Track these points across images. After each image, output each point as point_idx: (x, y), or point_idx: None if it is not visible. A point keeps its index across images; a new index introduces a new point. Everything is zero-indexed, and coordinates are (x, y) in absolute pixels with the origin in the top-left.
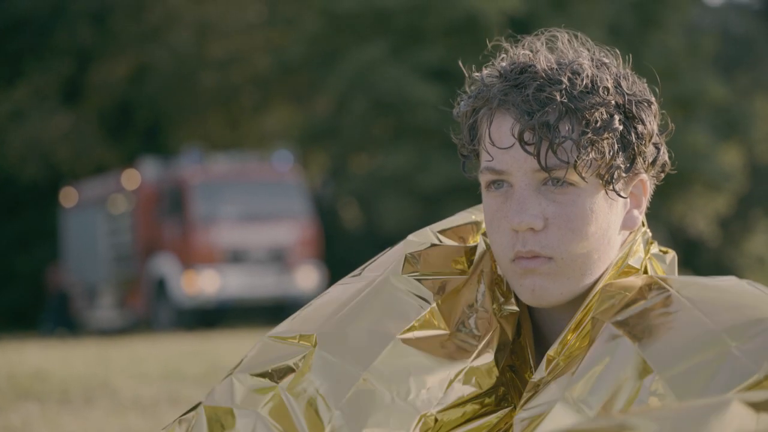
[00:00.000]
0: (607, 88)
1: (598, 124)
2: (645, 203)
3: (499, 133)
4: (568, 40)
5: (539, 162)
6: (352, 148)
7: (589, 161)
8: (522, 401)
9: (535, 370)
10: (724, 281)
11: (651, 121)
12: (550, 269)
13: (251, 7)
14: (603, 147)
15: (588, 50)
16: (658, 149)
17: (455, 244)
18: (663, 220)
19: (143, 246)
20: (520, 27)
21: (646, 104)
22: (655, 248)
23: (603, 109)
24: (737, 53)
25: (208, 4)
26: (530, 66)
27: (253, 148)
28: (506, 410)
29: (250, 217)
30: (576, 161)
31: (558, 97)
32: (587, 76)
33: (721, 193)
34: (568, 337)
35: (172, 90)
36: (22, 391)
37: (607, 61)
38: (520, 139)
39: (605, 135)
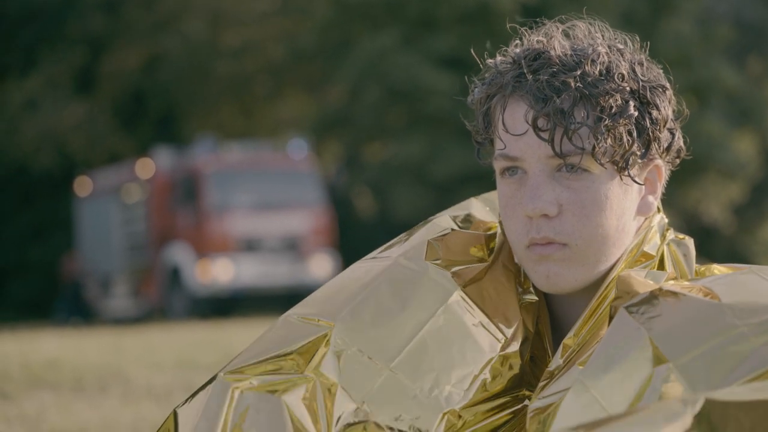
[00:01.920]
0: (622, 75)
1: (614, 111)
2: (660, 189)
3: (512, 119)
4: (585, 26)
5: (553, 148)
6: (365, 137)
7: (606, 148)
8: (537, 390)
9: (551, 350)
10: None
11: (665, 107)
12: (564, 255)
13: None
14: (619, 133)
15: (603, 36)
16: (672, 135)
17: (473, 231)
18: (677, 207)
19: (157, 235)
20: (534, 15)
21: (660, 90)
22: (671, 235)
23: (618, 96)
24: (750, 40)
25: None
26: (544, 52)
27: (267, 136)
28: (527, 402)
29: (263, 206)
30: (594, 148)
31: (572, 84)
32: (602, 62)
33: (735, 181)
34: (584, 325)
35: (185, 79)
36: (36, 380)
37: (621, 47)
38: (534, 126)
39: (621, 121)
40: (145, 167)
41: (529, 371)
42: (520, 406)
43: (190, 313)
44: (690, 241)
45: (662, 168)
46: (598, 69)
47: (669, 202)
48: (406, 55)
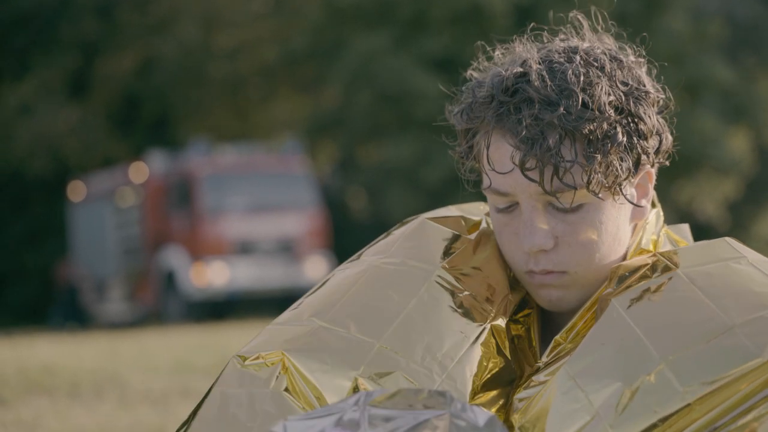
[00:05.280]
0: (609, 100)
1: (602, 142)
2: (651, 190)
3: (497, 155)
4: (563, 39)
5: (544, 189)
6: (359, 139)
7: (599, 180)
8: (524, 380)
9: (539, 347)
10: (720, 252)
11: (651, 114)
12: (564, 282)
13: None
14: (610, 163)
15: (580, 43)
16: (661, 139)
17: (453, 214)
18: (671, 204)
19: (152, 239)
20: (526, 14)
21: (643, 96)
22: (665, 228)
23: (605, 123)
24: (743, 36)
25: None
26: (521, 86)
27: (261, 138)
28: (515, 383)
29: (258, 208)
30: (588, 182)
31: (557, 121)
32: (584, 88)
33: (729, 177)
34: (578, 322)
35: (179, 82)
36: (33, 385)
37: (600, 53)
38: (522, 167)
39: (611, 150)
40: (139, 171)
41: (516, 365)
42: (505, 398)
43: (185, 316)
44: (685, 226)
45: (652, 172)
46: (580, 99)
47: (663, 199)
48: (398, 57)
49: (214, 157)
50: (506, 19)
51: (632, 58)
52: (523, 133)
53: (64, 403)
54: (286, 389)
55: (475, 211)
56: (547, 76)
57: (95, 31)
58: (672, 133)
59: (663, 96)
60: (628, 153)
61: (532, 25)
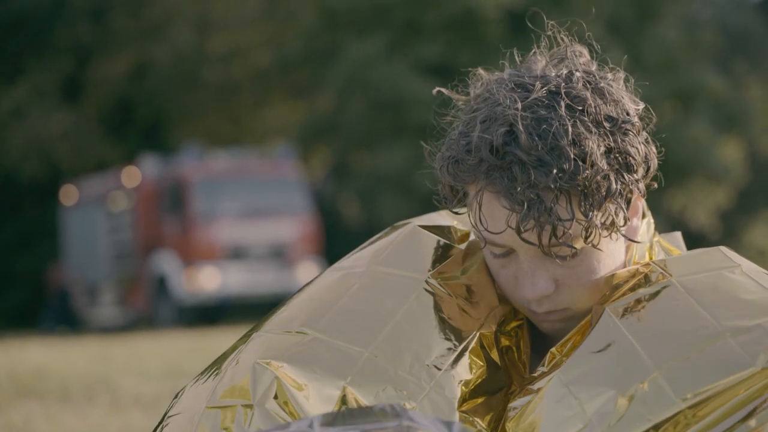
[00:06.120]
0: (600, 152)
1: (597, 194)
2: (641, 208)
3: (490, 214)
4: (540, 76)
5: (543, 250)
6: (352, 145)
7: (597, 231)
8: (517, 390)
9: (528, 359)
10: (715, 262)
11: (638, 144)
12: (567, 315)
13: (251, 2)
14: (606, 211)
15: (559, 76)
16: (649, 165)
17: (443, 224)
18: (664, 213)
19: (144, 243)
20: (519, 21)
21: (629, 127)
22: (657, 237)
23: (598, 177)
24: (735, 46)
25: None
26: (510, 148)
27: (255, 144)
28: (504, 391)
29: (250, 214)
30: (586, 237)
31: (552, 184)
32: (572, 142)
33: (721, 186)
34: (573, 336)
35: (172, 86)
36: (23, 389)
37: (581, 88)
38: (519, 232)
39: (606, 200)
40: (132, 175)
41: (505, 375)
42: (501, 392)
43: (177, 321)
44: (678, 234)
45: (642, 195)
46: (572, 155)
47: (655, 207)
48: (392, 63)
49: (207, 162)
50: (499, 25)
51: (611, 76)
52: (519, 197)
53: (55, 408)
54: (275, 399)
55: (466, 218)
56: (534, 134)
57: (89, 35)
58: (657, 147)
59: (643, 107)
60: (621, 196)
61: (509, 54)
